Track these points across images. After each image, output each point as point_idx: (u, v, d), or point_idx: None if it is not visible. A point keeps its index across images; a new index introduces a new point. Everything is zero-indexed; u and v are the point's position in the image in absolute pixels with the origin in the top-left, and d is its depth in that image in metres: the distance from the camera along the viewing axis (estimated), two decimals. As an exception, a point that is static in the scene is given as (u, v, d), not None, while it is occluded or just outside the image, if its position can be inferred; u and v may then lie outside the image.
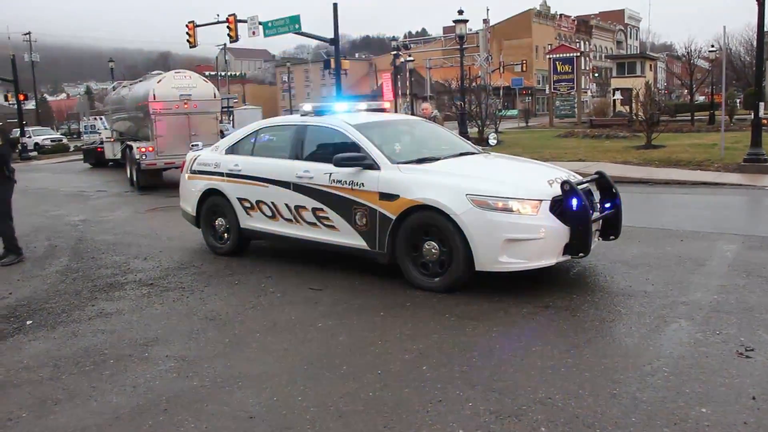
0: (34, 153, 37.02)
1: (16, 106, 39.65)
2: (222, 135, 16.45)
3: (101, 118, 31.84)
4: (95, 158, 26.19)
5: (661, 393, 4.08)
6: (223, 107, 23.78)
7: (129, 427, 3.96)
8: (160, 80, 17.61)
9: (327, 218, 7.13)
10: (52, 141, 42.55)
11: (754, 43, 30.23)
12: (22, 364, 5.09)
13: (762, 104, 17.31)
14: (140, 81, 20.47)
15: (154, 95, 16.96)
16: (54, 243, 10.02)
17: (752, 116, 16.83)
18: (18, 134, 37.70)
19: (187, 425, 3.94)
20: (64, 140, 44.87)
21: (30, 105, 53.33)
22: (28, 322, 6.10)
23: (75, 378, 4.75)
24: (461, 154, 7.53)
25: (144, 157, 16.95)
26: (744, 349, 4.73)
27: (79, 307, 6.50)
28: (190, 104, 17.24)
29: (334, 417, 3.96)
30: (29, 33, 55.18)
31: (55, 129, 52.41)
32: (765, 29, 15.60)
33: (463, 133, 23.17)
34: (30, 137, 39.44)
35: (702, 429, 3.65)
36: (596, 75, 73.07)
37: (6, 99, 48.56)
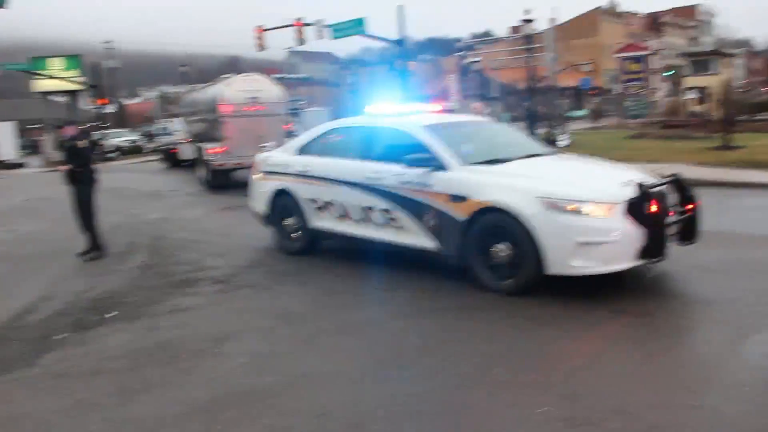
0: (114, 154, 38.42)
1: (98, 110, 41.30)
2: (291, 136, 16.70)
3: (173, 121, 32.80)
4: (171, 159, 27.00)
5: (746, 407, 3.92)
6: (290, 109, 24.17)
7: (204, 420, 4.08)
8: (229, 83, 18.04)
9: (396, 219, 7.15)
10: (130, 143, 44.13)
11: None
12: (105, 354, 5.32)
13: None
14: (212, 84, 21.01)
15: (223, 98, 17.39)
16: (133, 240, 10.38)
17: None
18: (99, 136, 39.25)
19: (260, 420, 4.03)
20: (141, 142, 46.42)
21: (110, 109, 55.46)
22: (111, 315, 6.36)
23: (153, 369, 4.93)
24: (532, 156, 7.44)
25: (214, 158, 17.39)
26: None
27: (156, 302, 6.72)
28: (258, 106, 17.58)
29: (404, 417, 3.98)
30: (110, 41, 57.54)
31: (133, 131, 54.32)
32: None
33: (532, 134, 22.87)
34: (109, 139, 40.95)
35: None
36: (668, 74, 70.94)
37: (89, 103, 50.73)
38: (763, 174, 15.02)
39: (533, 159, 7.31)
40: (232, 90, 17.62)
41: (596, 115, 52.65)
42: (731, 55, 62.69)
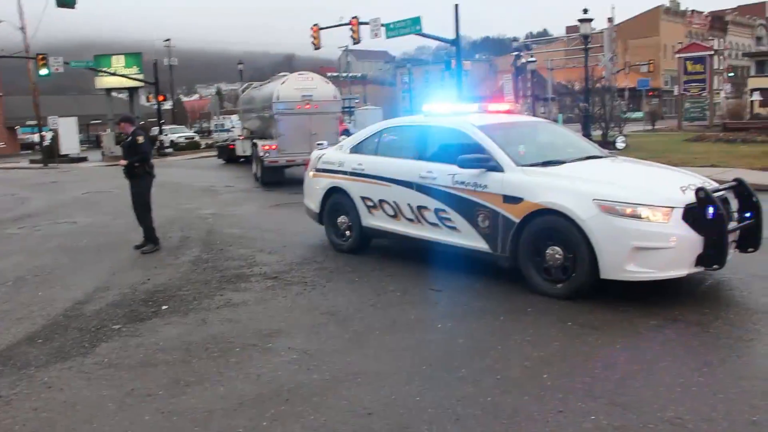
0: (170, 149, 39.31)
1: (156, 107, 42.35)
2: (346, 134, 16.80)
3: (230, 118, 33.38)
4: (227, 155, 27.49)
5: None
6: (344, 108, 24.38)
7: (252, 414, 4.12)
8: (284, 81, 18.29)
9: (449, 219, 7.11)
10: (186, 139, 45.13)
11: None
12: (158, 345, 5.43)
13: None
14: (268, 82, 21.30)
15: (278, 96, 17.63)
16: (186, 234, 10.60)
17: None
18: (156, 132, 40.22)
19: (307, 416, 4.05)
20: (196, 138, 47.39)
21: (167, 105, 56.83)
22: (164, 307, 6.49)
23: (204, 363, 5.01)
24: (588, 158, 7.30)
25: (267, 155, 17.63)
26: None
27: (208, 296, 6.84)
28: (312, 104, 17.77)
29: (451, 419, 3.94)
30: (169, 39, 58.91)
31: (189, 127, 55.58)
32: None
33: (587, 136, 22.47)
34: (166, 135, 41.95)
35: None
36: (731, 74, 68.74)
37: (147, 100, 52.04)
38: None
39: (589, 161, 7.19)
40: (286, 88, 17.85)
41: (654, 116, 51.38)
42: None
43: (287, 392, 4.42)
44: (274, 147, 17.60)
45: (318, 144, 9.89)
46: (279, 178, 18.06)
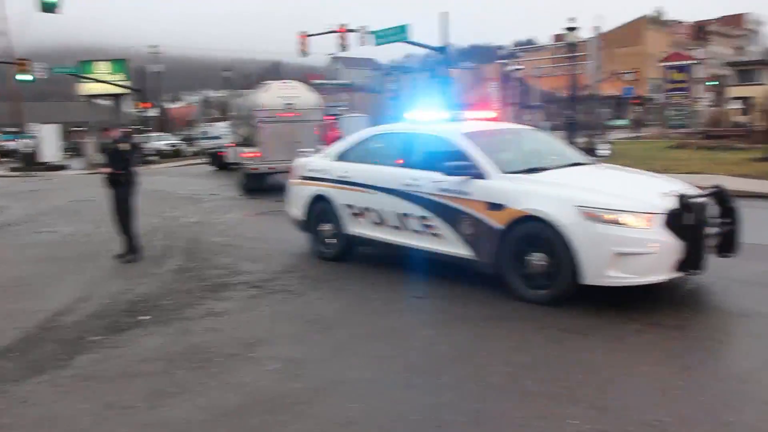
0: (156, 157, 39.09)
1: (141, 113, 42.18)
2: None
3: (214, 125, 33.34)
4: (218, 162, 27.47)
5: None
6: (332, 114, 24.40)
7: (234, 425, 4.10)
8: (266, 90, 18.43)
9: (433, 227, 7.13)
10: (171, 146, 44.92)
11: None
12: (138, 357, 5.38)
13: None
14: (254, 90, 21.34)
15: (259, 104, 17.73)
16: (169, 243, 10.53)
17: None
18: (140, 140, 40.02)
19: (290, 426, 4.04)
20: (181, 145, 47.19)
21: (153, 112, 56.59)
22: (145, 318, 6.44)
23: (186, 373, 4.97)
24: (571, 165, 7.35)
25: (248, 162, 17.70)
26: None
27: (190, 306, 6.79)
28: (294, 112, 17.84)
29: (433, 426, 3.95)
30: (156, 46, 58.72)
31: (175, 135, 55.32)
32: None
33: (572, 143, 22.62)
34: (151, 142, 41.71)
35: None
36: (713, 83, 69.47)
37: (133, 107, 51.94)
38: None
39: (572, 168, 7.23)
40: (268, 96, 17.98)
41: (638, 124, 51.80)
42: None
43: (270, 402, 4.40)
44: (255, 154, 17.66)
45: (302, 151, 9.88)
46: (260, 186, 18.07)
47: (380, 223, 7.80)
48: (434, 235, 7.14)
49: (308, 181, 8.88)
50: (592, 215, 5.84)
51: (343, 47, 31.29)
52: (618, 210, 5.82)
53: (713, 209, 6.52)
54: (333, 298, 6.91)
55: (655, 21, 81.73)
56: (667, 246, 5.78)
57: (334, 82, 70.69)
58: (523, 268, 6.30)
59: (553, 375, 4.62)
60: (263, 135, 17.63)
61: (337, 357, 5.19)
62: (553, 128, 31.76)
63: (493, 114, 9.04)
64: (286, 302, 6.80)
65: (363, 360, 5.09)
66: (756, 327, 5.50)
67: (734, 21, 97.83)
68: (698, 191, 6.61)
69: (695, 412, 3.98)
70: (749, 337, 5.32)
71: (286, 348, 5.43)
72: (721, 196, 6.63)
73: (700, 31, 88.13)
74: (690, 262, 5.85)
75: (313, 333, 5.79)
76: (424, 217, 7.21)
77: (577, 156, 7.94)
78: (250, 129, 18.95)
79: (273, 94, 18.04)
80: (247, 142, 19.78)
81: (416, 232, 7.35)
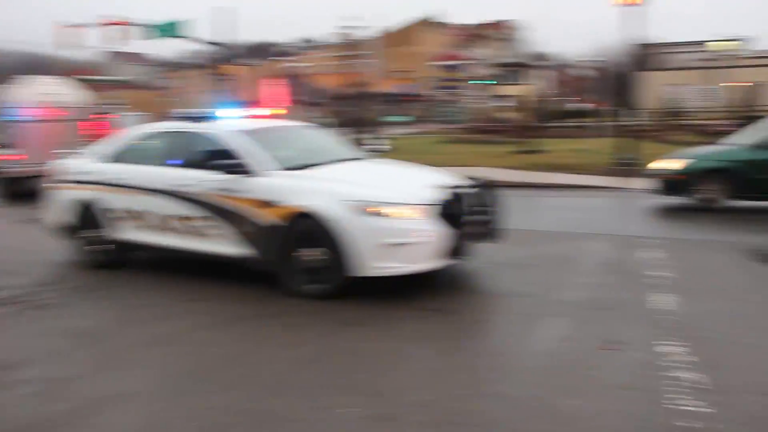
0: None
1: None
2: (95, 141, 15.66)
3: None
4: None
5: (531, 389, 4.24)
6: (103, 112, 22.70)
7: (-18, 458, 3.67)
8: (25, 85, 16.66)
9: (208, 227, 6.93)
10: None
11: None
12: None
13: (640, 111, 18.36)
14: (9, 86, 19.29)
15: (18, 101, 16.03)
16: None
17: (625, 122, 17.91)
18: None
19: (50, 452, 3.70)
20: None
21: None
22: None
23: None
24: (345, 160, 7.53)
25: (8, 166, 15.97)
26: (611, 343, 4.98)
27: (-69, 330, 5.98)
28: (57, 110, 16.36)
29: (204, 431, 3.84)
30: None
31: None
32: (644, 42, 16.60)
33: (351, 139, 23.26)
34: None
35: (573, 419, 3.83)
36: (479, 82, 75.44)
37: None
38: (562, 176, 16.39)
39: (345, 164, 7.41)
40: (27, 92, 16.27)
41: (417, 121, 54.71)
42: (540, 67, 67.82)
43: (27, 428, 3.99)
44: (15, 157, 15.96)
45: (64, 153, 9.11)
46: (22, 191, 16.37)
47: (153, 226, 7.43)
48: (206, 235, 6.96)
49: (72, 185, 8.21)
50: (360, 208, 6.04)
51: (118, 42, 29.41)
52: (385, 202, 6.08)
53: (479, 199, 7.03)
54: (102, 309, 6.46)
55: (432, 23, 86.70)
56: (436, 235, 6.14)
57: (107, 78, 66.35)
58: (298, 263, 6.34)
59: (329, 367, 4.72)
60: (23, 135, 15.99)
61: (104, 371, 4.85)
62: (333, 125, 32.50)
63: (279, 111, 9.00)
64: (48, 318, 6.23)
65: (132, 372, 4.81)
66: (515, 305, 6.08)
67: (502, 26, 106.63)
68: (465, 182, 7.08)
69: (462, 388, 4.29)
70: (509, 315, 5.85)
71: (48, 367, 4.96)
72: (485, 186, 7.17)
73: (473, 34, 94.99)
74: (457, 249, 6.29)
75: (79, 348, 5.35)
76: (198, 218, 6.99)
77: (354, 152, 8.16)
78: (7, 129, 17.12)
79: (33, 91, 16.37)
80: (5, 143, 17.88)
81: (188, 233, 7.11)
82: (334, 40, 62.53)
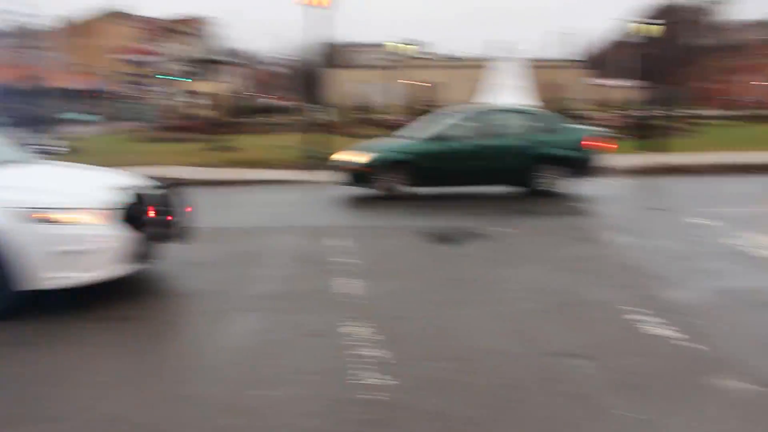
0: None
1: None
2: None
3: None
4: None
5: (222, 385, 4.20)
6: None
7: None
8: None
9: None
10: None
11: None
12: None
13: (329, 107, 19.17)
14: None
15: None
16: None
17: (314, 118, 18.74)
18: None
19: None
20: None
21: None
22: None
23: None
24: (8, 162, 6.66)
25: None
26: (301, 331, 5.14)
27: None
28: None
29: None
30: None
31: None
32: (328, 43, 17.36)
33: (21, 140, 20.87)
34: None
35: (266, 408, 3.88)
36: (171, 78, 73.00)
37: None
38: (255, 172, 16.59)
39: (10, 167, 6.55)
40: None
41: (107, 119, 51.06)
42: (233, 64, 67.57)
43: None
44: None
45: None
46: None
47: None
48: None
49: None
50: (25, 215, 5.43)
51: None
52: (54, 207, 5.55)
53: (163, 199, 6.72)
54: None
55: (120, 15, 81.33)
56: (116, 239, 5.75)
57: None
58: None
59: (4, 397, 4.16)
60: None
61: None
62: (2, 123, 28.98)
63: None
64: None
65: None
66: (206, 304, 5.97)
67: (195, 22, 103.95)
68: (148, 182, 6.72)
69: (154, 395, 4.08)
70: (200, 314, 5.74)
71: None
72: (170, 186, 6.90)
73: (163, 29, 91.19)
74: (142, 253, 5.97)
75: None
76: None
77: (19, 154, 7.27)
78: None
79: None
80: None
81: None
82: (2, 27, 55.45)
